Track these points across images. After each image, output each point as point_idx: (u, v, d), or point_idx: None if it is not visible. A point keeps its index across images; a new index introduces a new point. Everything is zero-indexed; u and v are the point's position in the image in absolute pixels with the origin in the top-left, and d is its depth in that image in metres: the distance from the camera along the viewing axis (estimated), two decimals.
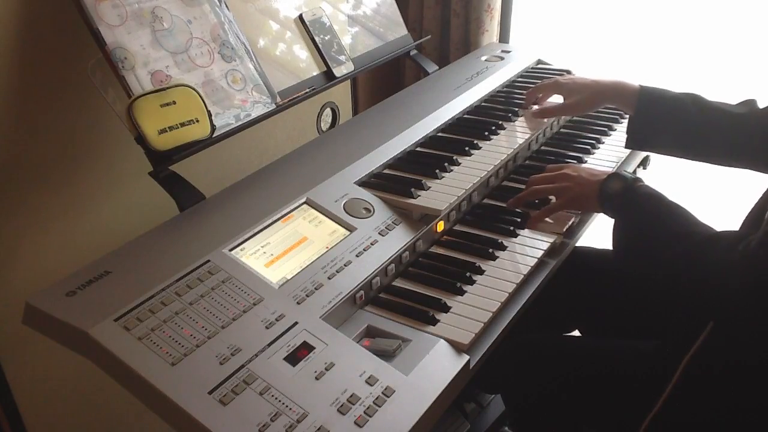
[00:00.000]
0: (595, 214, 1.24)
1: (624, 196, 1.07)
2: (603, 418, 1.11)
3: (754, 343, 0.91)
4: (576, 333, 1.38)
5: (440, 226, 1.13)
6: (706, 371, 0.94)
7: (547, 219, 1.17)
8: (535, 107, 1.39)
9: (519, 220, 1.17)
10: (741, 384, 0.94)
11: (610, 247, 1.09)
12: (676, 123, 1.19)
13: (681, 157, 1.23)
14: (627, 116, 1.29)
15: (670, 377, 0.94)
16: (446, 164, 1.19)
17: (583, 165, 1.31)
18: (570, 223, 1.16)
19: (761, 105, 1.15)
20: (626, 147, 1.29)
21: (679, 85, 1.24)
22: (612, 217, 1.10)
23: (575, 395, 1.10)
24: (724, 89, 1.68)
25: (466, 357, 0.89)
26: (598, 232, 1.27)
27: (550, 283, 1.10)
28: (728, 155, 1.18)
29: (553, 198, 1.19)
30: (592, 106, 1.32)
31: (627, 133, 1.26)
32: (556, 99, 1.42)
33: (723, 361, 0.93)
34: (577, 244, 1.21)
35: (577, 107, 1.33)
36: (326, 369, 0.81)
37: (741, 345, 0.92)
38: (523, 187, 1.29)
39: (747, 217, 1.01)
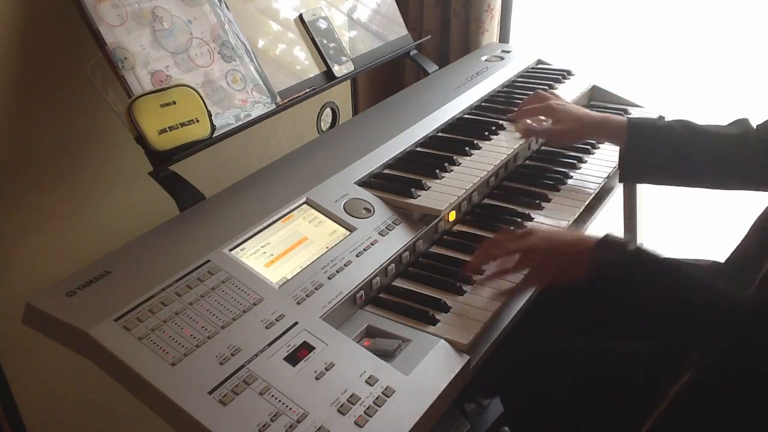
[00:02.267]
0: (594, 216, 1.24)
1: (628, 266, 0.96)
2: (603, 421, 1.11)
3: (760, 349, 0.90)
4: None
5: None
6: (709, 378, 0.93)
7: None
8: (522, 122, 1.36)
9: (519, 220, 1.17)
10: (744, 390, 0.93)
11: None
12: (670, 151, 1.16)
13: (678, 185, 1.20)
14: (627, 116, 1.28)
15: (672, 382, 0.93)
16: (446, 164, 1.19)
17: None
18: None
19: (754, 123, 1.14)
20: (620, 181, 1.27)
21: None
22: (610, 285, 0.99)
23: (575, 398, 1.10)
24: (724, 89, 1.68)
25: (466, 357, 0.89)
26: None
27: (548, 287, 1.09)
28: (727, 178, 1.16)
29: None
30: (578, 138, 1.31)
31: (619, 167, 1.24)
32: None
33: (726, 368, 0.92)
34: None
35: (562, 136, 1.29)
36: (326, 369, 0.81)
37: (746, 351, 0.91)
38: (523, 187, 1.28)
39: (749, 233, 1.00)
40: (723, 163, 1.14)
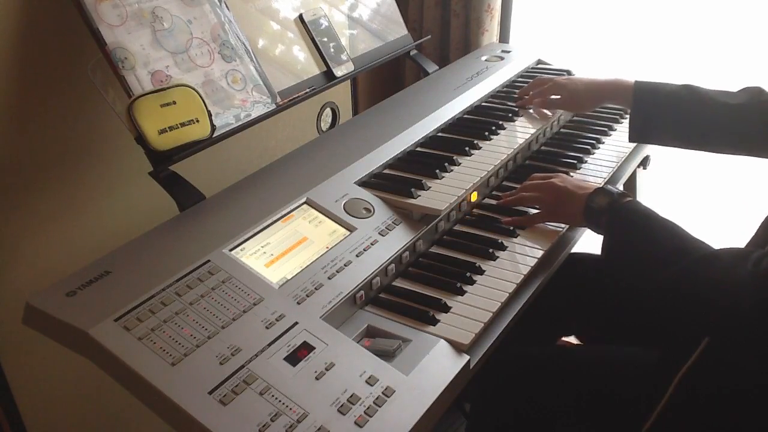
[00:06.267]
0: None
1: (611, 213, 1.04)
2: (601, 426, 1.10)
3: (753, 364, 0.89)
4: (573, 339, 1.37)
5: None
6: (699, 389, 0.91)
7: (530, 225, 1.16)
8: (537, 100, 1.40)
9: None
10: (735, 403, 0.92)
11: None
12: (673, 116, 1.21)
13: (684, 148, 1.24)
14: (627, 116, 1.29)
15: (665, 392, 0.92)
16: (446, 164, 1.19)
17: (573, 176, 1.28)
18: (557, 238, 1.13)
19: None
20: (630, 141, 1.30)
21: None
22: (598, 233, 1.08)
23: (570, 407, 1.08)
24: (724, 87, 1.68)
25: (467, 357, 0.89)
26: (595, 237, 1.26)
27: (547, 288, 1.09)
28: (729, 145, 1.18)
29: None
30: (591, 104, 1.36)
31: (629, 126, 1.27)
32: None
33: (717, 379, 0.91)
34: (574, 250, 1.20)
35: (577, 105, 1.36)
36: (326, 369, 0.81)
37: (738, 364, 0.90)
38: None
39: (756, 233, 1.00)
40: (724, 130, 1.17)
